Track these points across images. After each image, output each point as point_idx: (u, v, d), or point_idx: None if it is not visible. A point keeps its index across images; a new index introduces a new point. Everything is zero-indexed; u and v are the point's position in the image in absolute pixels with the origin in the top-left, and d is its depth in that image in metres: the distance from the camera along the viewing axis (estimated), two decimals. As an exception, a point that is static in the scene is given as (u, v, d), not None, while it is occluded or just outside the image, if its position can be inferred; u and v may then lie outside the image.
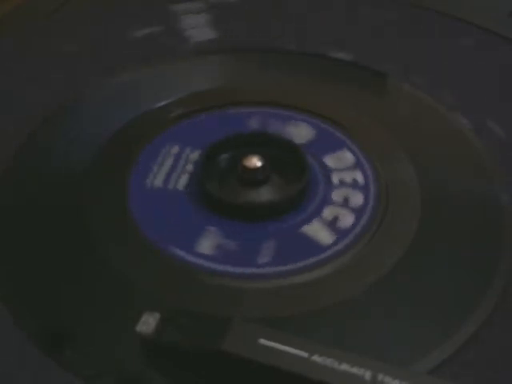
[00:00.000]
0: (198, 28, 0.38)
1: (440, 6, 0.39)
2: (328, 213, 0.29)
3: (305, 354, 0.23)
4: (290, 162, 0.30)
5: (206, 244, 0.28)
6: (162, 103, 0.33)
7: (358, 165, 0.30)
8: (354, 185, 0.30)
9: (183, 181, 0.30)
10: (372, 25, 0.38)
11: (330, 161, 0.31)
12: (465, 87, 0.34)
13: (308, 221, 0.28)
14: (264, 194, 0.29)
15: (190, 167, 0.30)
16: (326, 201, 0.29)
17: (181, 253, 0.27)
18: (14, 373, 0.24)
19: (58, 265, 0.27)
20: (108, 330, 0.25)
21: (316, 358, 0.22)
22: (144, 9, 0.39)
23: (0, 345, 0.25)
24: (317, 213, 0.29)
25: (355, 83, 0.35)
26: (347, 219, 0.28)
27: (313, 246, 0.28)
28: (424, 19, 0.38)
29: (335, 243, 0.28)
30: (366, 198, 0.29)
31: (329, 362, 0.22)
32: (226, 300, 0.26)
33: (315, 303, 0.26)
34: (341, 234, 0.28)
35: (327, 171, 0.30)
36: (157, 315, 0.24)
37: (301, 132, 0.32)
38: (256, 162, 0.29)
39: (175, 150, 0.31)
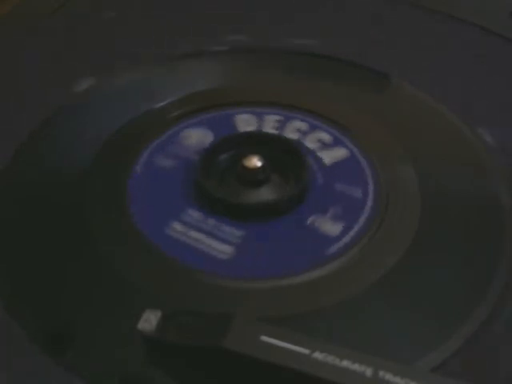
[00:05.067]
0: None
1: (440, 6, 0.39)
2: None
3: (306, 351, 0.23)
4: (290, 162, 0.30)
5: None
6: (162, 103, 0.33)
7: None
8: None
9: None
10: (372, 25, 0.38)
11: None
12: (465, 87, 0.34)
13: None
14: (264, 194, 0.29)
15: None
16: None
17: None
18: (14, 373, 0.24)
19: (58, 265, 0.27)
20: (108, 330, 0.25)
21: (317, 354, 0.22)
22: (144, 9, 0.39)
23: (0, 345, 0.25)
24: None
25: (355, 83, 0.35)
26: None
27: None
28: (424, 19, 0.38)
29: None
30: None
31: (330, 358, 0.22)
32: (226, 300, 0.26)
33: (315, 303, 0.26)
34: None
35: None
36: (158, 313, 0.24)
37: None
38: (256, 162, 0.29)
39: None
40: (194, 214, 0.29)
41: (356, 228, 0.28)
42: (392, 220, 0.28)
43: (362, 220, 0.28)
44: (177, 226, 0.28)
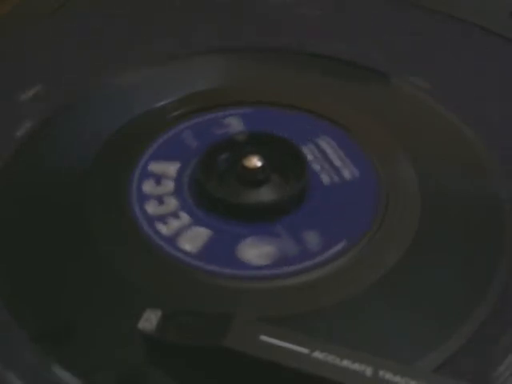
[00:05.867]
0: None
1: (440, 6, 0.39)
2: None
3: (306, 351, 0.23)
4: (290, 162, 0.30)
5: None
6: (162, 103, 0.33)
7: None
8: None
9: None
10: (372, 25, 0.38)
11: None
12: (465, 87, 0.34)
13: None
14: (264, 194, 0.29)
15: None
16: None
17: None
18: (14, 373, 0.24)
19: (58, 265, 0.27)
20: (108, 330, 0.25)
21: (317, 354, 0.22)
22: (144, 9, 0.39)
23: (0, 345, 0.25)
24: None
25: (355, 83, 0.35)
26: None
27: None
28: (424, 19, 0.38)
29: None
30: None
31: (330, 358, 0.22)
32: (225, 300, 0.26)
33: (315, 303, 0.26)
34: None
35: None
36: (158, 312, 0.24)
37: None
38: (256, 161, 0.29)
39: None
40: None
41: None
42: (392, 220, 0.28)
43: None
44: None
